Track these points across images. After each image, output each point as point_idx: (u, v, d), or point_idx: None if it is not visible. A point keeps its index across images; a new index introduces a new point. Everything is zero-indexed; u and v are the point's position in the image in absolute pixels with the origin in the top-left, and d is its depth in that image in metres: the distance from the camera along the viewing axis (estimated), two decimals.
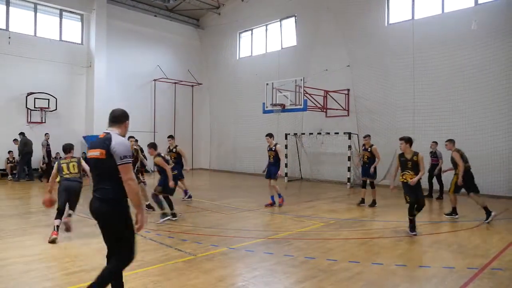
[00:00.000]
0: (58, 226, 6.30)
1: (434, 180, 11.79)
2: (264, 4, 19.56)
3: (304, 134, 16.87)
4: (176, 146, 10.99)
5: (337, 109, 15.69)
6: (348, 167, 14.39)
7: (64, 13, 18.28)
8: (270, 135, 10.07)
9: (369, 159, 10.07)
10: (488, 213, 8.02)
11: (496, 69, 12.03)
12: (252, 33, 20.81)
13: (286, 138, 16.61)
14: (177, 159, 10.70)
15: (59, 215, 6.46)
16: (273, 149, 9.87)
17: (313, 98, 14.84)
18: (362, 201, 10.28)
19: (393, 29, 14.73)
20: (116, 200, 3.35)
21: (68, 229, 6.61)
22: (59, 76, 17.83)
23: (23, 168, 15.63)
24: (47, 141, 16.40)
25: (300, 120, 17.30)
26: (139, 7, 20.70)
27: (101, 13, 18.56)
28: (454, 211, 8.67)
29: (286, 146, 16.57)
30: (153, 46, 21.14)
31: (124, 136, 3.64)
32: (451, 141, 8.94)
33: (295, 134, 17.07)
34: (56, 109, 17.22)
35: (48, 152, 16.33)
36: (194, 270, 4.88)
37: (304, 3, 17.72)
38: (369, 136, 10.51)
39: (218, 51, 22.28)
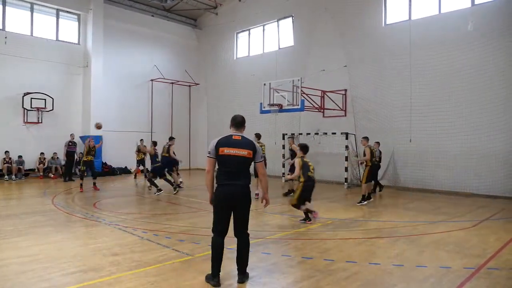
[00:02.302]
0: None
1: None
2: (261, 4, 19.57)
3: (301, 134, 16.86)
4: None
5: (334, 109, 15.72)
6: (345, 167, 14.40)
7: (60, 13, 18.23)
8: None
9: (292, 157, 11.94)
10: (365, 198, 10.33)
11: (493, 70, 12.08)
12: (249, 33, 20.81)
13: (283, 138, 16.60)
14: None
15: None
16: None
17: (310, 98, 14.85)
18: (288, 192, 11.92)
19: (390, 29, 14.76)
20: (249, 187, 4.52)
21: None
22: (56, 76, 17.79)
23: None
24: (70, 142, 16.32)
25: (297, 120, 17.32)
26: (136, 7, 20.69)
27: (98, 13, 18.54)
28: (364, 198, 10.43)
29: (283, 146, 16.58)
30: (150, 46, 21.13)
31: None
32: (366, 138, 10.97)
33: (292, 134, 17.07)
34: (52, 109, 17.18)
35: (70, 152, 16.21)
36: (191, 270, 4.88)
37: (301, 3, 17.74)
38: (291, 137, 12.90)
39: (215, 51, 22.27)
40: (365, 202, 10.36)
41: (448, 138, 12.89)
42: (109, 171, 18.51)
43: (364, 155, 10.99)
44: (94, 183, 12.96)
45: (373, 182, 12.25)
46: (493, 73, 12.09)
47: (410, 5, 14.33)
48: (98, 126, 13.83)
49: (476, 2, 12.72)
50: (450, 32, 13.00)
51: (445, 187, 12.87)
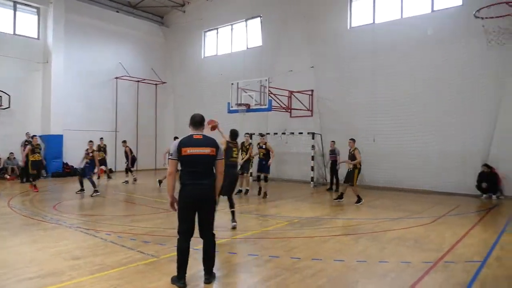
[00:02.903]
0: None
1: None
2: (229, 4, 19.52)
3: (268, 134, 16.95)
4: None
5: (301, 110, 15.93)
6: (312, 166, 14.65)
7: (18, 5, 17.37)
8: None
9: (264, 155, 11.56)
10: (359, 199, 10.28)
11: (451, 73, 12.67)
12: (217, 32, 20.71)
13: (251, 138, 16.61)
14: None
15: None
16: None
17: (278, 99, 14.98)
18: (259, 191, 11.71)
19: (355, 32, 15.16)
20: (213, 187, 4.46)
21: None
22: (13, 72, 16.91)
23: None
24: (26, 141, 15.42)
25: (264, 120, 17.40)
26: (100, 1, 20.09)
27: (59, 7, 17.83)
28: (359, 198, 10.37)
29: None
30: (115, 43, 20.56)
31: None
32: (354, 140, 10.83)
33: (260, 134, 17.14)
34: (9, 107, 16.34)
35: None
36: (156, 272, 4.79)
37: (270, 4, 17.85)
38: (262, 135, 12.30)
39: (183, 50, 21.99)
40: (362, 201, 10.33)
41: (409, 138, 13.38)
42: (71, 172, 17.83)
43: (353, 157, 10.51)
44: (33, 183, 12.19)
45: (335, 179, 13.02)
46: (451, 76, 12.67)
47: (374, 9, 14.77)
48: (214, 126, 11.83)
49: (435, 8, 13.31)
50: (411, 36, 13.51)
51: (406, 185, 13.36)
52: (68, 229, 7.12)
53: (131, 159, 15.45)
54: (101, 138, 16.15)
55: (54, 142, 17.41)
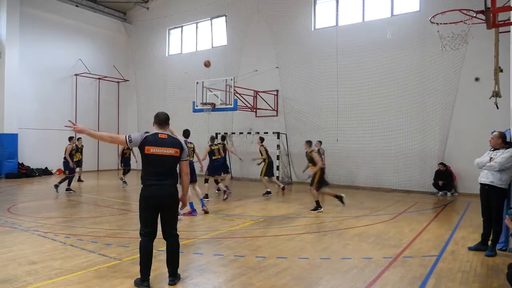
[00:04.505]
0: None
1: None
2: (194, 2, 19.29)
3: (234, 133, 16.98)
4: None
5: (266, 109, 16.05)
6: (277, 166, 14.78)
7: None
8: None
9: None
10: (341, 198, 9.45)
11: (409, 75, 13.20)
12: (182, 30, 20.43)
13: (216, 137, 16.55)
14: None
15: None
16: None
17: (243, 98, 15.00)
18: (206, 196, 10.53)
19: (319, 33, 15.45)
20: (176, 187, 4.44)
21: None
22: None
23: None
24: None
25: (230, 119, 17.39)
26: None
27: None
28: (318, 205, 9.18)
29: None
30: (74, 39, 19.76)
31: None
32: (309, 142, 9.74)
33: (226, 133, 17.11)
34: None
35: None
36: (118, 275, 4.66)
37: (235, 4, 17.81)
38: (222, 139, 11.90)
39: (146, 47, 21.51)
40: (320, 209, 9.11)
41: (370, 138, 13.82)
42: (27, 172, 16.99)
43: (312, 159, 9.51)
44: None
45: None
46: (410, 79, 13.20)
47: (337, 12, 15.12)
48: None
49: (395, 13, 13.83)
50: (372, 39, 13.94)
51: (368, 183, 13.80)
52: (24, 233, 6.79)
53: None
54: (79, 138, 14.96)
55: (9, 141, 16.53)
